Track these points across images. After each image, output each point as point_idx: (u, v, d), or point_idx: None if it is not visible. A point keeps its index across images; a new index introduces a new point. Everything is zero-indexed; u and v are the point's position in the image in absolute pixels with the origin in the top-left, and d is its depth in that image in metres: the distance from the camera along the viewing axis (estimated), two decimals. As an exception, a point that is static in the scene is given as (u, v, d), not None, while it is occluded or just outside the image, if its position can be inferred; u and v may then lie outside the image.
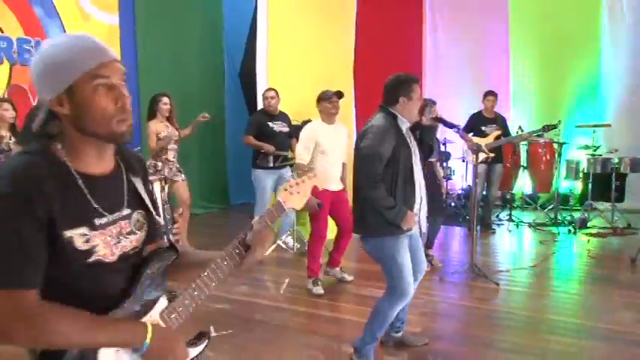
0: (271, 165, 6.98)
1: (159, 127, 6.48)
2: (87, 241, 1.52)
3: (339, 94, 5.70)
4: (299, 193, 2.00)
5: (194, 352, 1.81)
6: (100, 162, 1.62)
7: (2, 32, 7.09)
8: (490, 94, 8.41)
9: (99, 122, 1.52)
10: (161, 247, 1.82)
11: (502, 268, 6.62)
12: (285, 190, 1.98)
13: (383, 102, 3.98)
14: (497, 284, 5.91)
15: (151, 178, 2.51)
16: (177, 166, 6.67)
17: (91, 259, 1.54)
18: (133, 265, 1.70)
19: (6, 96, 7.03)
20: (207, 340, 1.88)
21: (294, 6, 9.40)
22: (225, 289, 5.64)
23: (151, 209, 1.76)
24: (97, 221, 1.56)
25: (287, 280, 6.14)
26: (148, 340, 1.57)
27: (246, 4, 10.33)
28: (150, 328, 1.59)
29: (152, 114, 6.51)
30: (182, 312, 1.77)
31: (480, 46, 10.04)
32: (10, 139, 6.10)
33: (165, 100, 6.59)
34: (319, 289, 5.71)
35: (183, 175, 6.63)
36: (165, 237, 1.84)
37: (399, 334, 4.39)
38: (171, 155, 6.61)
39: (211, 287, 1.79)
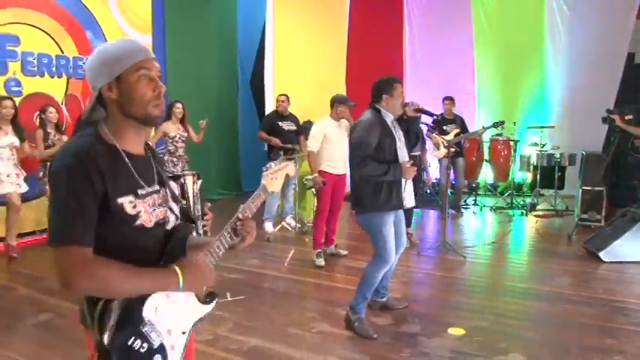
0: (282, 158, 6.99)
1: (170, 128, 6.58)
2: (134, 207, 1.58)
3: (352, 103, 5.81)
4: (276, 179, 2.01)
5: (207, 309, 1.82)
6: (137, 143, 1.68)
7: (62, 52, 7.17)
8: (447, 99, 8.35)
9: (139, 104, 1.59)
10: (179, 224, 1.83)
11: (468, 244, 6.68)
12: (267, 176, 1.99)
13: (371, 100, 4.06)
14: (464, 257, 5.98)
15: (185, 172, 2.55)
16: (187, 157, 6.76)
17: (136, 223, 1.59)
18: (164, 234, 1.73)
19: (64, 103, 7.09)
20: (215, 301, 1.85)
21: (296, 23, 9.43)
22: (238, 261, 5.68)
23: (174, 190, 1.82)
24: (140, 191, 1.62)
25: (290, 255, 6.16)
26: (181, 280, 1.60)
27: (256, 24, 10.34)
28: (179, 270, 1.61)
29: (167, 116, 6.58)
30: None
31: (449, 59, 10.04)
32: (54, 137, 6.18)
33: (179, 105, 6.70)
34: (321, 261, 5.75)
35: (187, 170, 6.67)
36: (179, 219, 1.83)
37: (384, 299, 4.45)
38: (181, 151, 6.71)
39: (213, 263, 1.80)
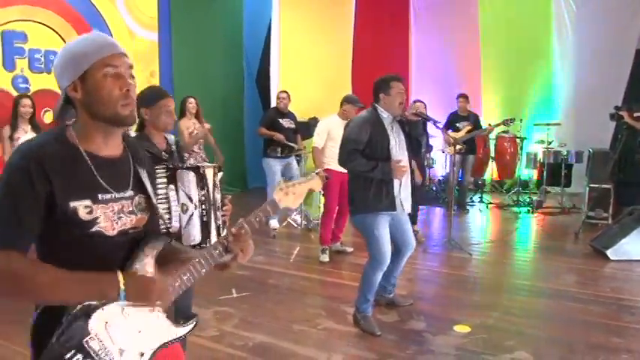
0: (279, 155, 6.99)
1: (188, 124, 6.52)
2: (89, 212, 1.45)
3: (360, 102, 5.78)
4: (294, 194, 1.80)
5: (181, 332, 1.65)
6: (106, 145, 1.54)
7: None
8: (461, 96, 8.39)
9: (106, 105, 1.46)
10: (156, 232, 1.71)
11: (474, 241, 6.65)
12: (281, 189, 1.78)
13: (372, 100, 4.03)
14: (470, 254, 5.95)
15: (204, 164, 2.52)
16: (203, 155, 6.70)
17: (92, 229, 1.46)
18: (131, 244, 1.58)
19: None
20: (193, 324, 1.70)
21: (301, 22, 9.42)
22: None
23: (153, 198, 1.65)
24: (101, 196, 1.49)
25: (295, 252, 6.16)
26: (122, 287, 1.43)
27: (262, 22, 10.32)
28: (121, 275, 1.45)
29: (182, 113, 6.53)
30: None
31: (457, 57, 10.01)
32: None
33: (192, 100, 6.63)
34: (325, 257, 5.75)
35: (207, 163, 6.62)
36: (164, 225, 1.73)
37: (390, 296, 4.43)
38: (196, 147, 6.67)
39: (191, 280, 1.64)
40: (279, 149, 6.96)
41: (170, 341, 1.62)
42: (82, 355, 1.40)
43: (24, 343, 3.79)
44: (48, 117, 6.65)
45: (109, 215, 1.50)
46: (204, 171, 2.47)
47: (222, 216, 2.51)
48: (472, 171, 8.76)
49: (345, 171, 5.64)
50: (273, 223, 7.01)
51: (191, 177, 2.45)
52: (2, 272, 1.36)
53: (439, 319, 4.21)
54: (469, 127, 8.20)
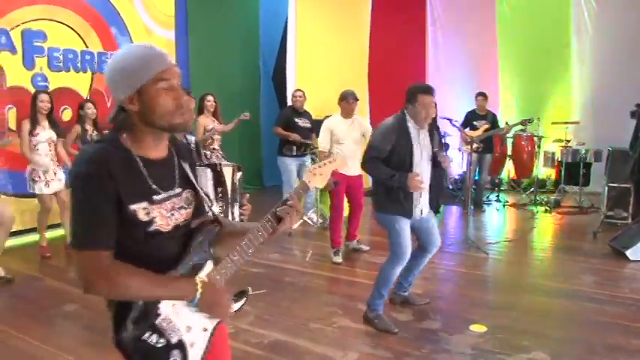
0: (294, 153, 7.01)
1: (206, 122, 6.56)
2: (147, 214, 1.56)
3: (355, 97, 5.71)
4: (321, 174, 1.95)
5: (236, 306, 1.84)
6: (156, 148, 1.65)
7: (87, 47, 7.25)
8: (480, 95, 8.37)
9: (161, 117, 1.56)
10: (206, 220, 1.82)
11: (491, 240, 6.60)
12: (310, 172, 1.94)
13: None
14: (487, 254, 5.92)
15: (223, 163, 2.54)
16: (222, 153, 6.74)
17: (151, 228, 1.58)
18: (184, 235, 1.71)
19: (89, 98, 7.15)
20: (245, 298, 1.89)
21: (318, 20, 9.41)
22: (260, 256, 5.70)
23: (198, 189, 1.77)
24: (155, 197, 1.59)
25: (311, 250, 6.18)
26: (198, 294, 1.60)
27: (279, 19, 10.32)
28: (199, 284, 1.61)
29: (200, 110, 6.59)
30: (224, 273, 1.78)
31: (474, 57, 9.96)
32: (93, 132, 6.15)
33: (210, 98, 6.68)
34: (338, 259, 5.73)
35: (226, 162, 6.66)
36: (210, 211, 1.82)
37: (405, 294, 4.43)
38: (216, 144, 6.71)
39: (249, 253, 1.79)
40: (294, 148, 6.97)
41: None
42: (156, 335, 1.56)
43: (43, 337, 3.91)
44: (66, 115, 6.72)
45: (163, 214, 1.61)
46: (221, 169, 2.48)
47: (241, 215, 2.53)
48: (489, 170, 8.71)
49: (353, 174, 5.60)
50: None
51: (208, 174, 2.47)
52: (93, 272, 1.49)
53: (455, 319, 4.19)
54: (487, 126, 8.17)
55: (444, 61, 10.33)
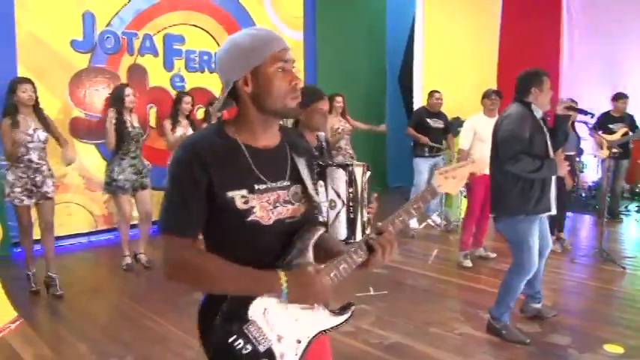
0: (426, 154, 6.97)
1: (333, 122, 6.70)
2: (246, 202, 1.51)
3: (499, 94, 5.62)
4: (454, 177, 1.75)
5: (337, 320, 1.64)
6: (264, 136, 1.60)
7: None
8: (621, 97, 7.77)
9: (276, 98, 1.53)
10: (314, 221, 1.73)
11: (628, 254, 6.15)
12: (441, 174, 1.73)
13: (516, 94, 3.84)
14: (624, 268, 5.50)
15: (354, 162, 2.60)
16: (351, 152, 6.86)
17: (249, 218, 1.52)
18: (287, 232, 1.60)
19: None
20: (350, 313, 1.67)
21: (446, 20, 9.25)
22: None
23: (310, 188, 1.66)
24: (257, 186, 1.54)
25: (434, 253, 6.11)
26: (284, 286, 1.48)
27: (405, 19, 10.29)
28: (283, 276, 1.49)
29: (329, 110, 6.74)
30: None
31: (616, 56, 9.30)
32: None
33: (339, 99, 6.81)
34: (468, 262, 5.63)
35: (356, 161, 6.70)
36: (319, 215, 1.75)
37: (539, 306, 4.21)
38: (343, 144, 6.83)
39: (347, 270, 1.60)
40: (426, 149, 6.95)
41: (326, 330, 1.62)
42: (242, 340, 1.48)
43: (173, 321, 4.22)
44: (200, 113, 7.17)
45: (264, 205, 1.55)
46: (353, 169, 2.54)
47: (368, 213, 2.57)
48: (625, 177, 8.09)
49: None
50: (412, 222, 6.99)
51: (340, 174, 2.54)
52: (175, 259, 1.50)
53: (586, 336, 3.96)
54: (625, 130, 7.57)
55: (581, 60, 9.75)
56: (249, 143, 1.57)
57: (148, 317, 4.31)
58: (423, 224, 7.25)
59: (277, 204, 1.58)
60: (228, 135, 1.56)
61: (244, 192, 1.52)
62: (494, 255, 5.93)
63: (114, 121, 5.25)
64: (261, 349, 1.50)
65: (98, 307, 4.70)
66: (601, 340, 3.82)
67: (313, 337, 1.59)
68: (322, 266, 1.59)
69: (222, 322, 1.49)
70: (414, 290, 4.99)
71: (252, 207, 1.52)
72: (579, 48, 9.79)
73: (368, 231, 2.42)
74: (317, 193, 1.75)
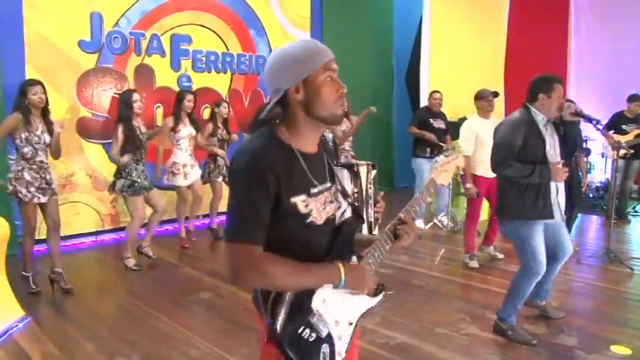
0: (428, 155, 6.95)
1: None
2: (306, 206, 1.63)
3: (495, 94, 5.58)
4: (446, 171, 2.00)
5: (375, 301, 1.87)
6: (313, 142, 1.72)
7: (227, 49, 7.76)
8: (636, 99, 7.70)
9: (325, 105, 1.62)
10: (353, 216, 1.88)
11: (636, 255, 6.12)
12: (436, 168, 1.99)
13: (525, 98, 3.83)
14: (632, 269, 5.49)
15: (359, 162, 2.62)
16: (353, 153, 6.86)
17: (307, 220, 1.64)
18: (332, 229, 1.76)
19: (228, 97, 7.60)
20: (383, 293, 1.90)
21: (453, 20, 9.24)
22: (389, 257, 5.72)
23: (347, 186, 1.88)
24: (312, 190, 1.65)
25: (441, 253, 6.11)
26: (343, 276, 1.66)
27: (412, 19, 10.29)
28: (342, 267, 1.67)
29: None
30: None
31: (624, 58, 9.25)
32: (222, 131, 6.54)
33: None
34: (474, 263, 5.63)
35: (360, 161, 6.72)
36: (351, 208, 1.88)
37: (543, 303, 4.22)
38: (347, 145, 6.84)
39: (380, 258, 1.85)
40: (428, 149, 6.93)
41: (367, 310, 1.83)
42: (309, 330, 1.63)
43: (178, 319, 4.25)
44: (206, 113, 7.18)
45: (318, 207, 1.68)
46: (358, 169, 2.55)
47: (375, 212, 2.58)
48: (635, 178, 8.05)
49: (493, 175, 5.44)
50: (419, 223, 6.99)
51: (345, 174, 2.55)
52: (243, 264, 1.57)
53: (593, 337, 3.95)
54: (638, 131, 7.54)
55: (588, 62, 9.71)
56: (300, 149, 1.66)
57: (153, 316, 4.34)
58: (430, 224, 7.25)
59: (326, 204, 1.72)
60: (283, 142, 1.64)
61: (304, 197, 1.63)
62: (501, 256, 5.92)
63: (121, 136, 5.23)
64: (323, 334, 1.65)
65: (104, 306, 4.74)
66: (608, 342, 3.81)
67: (359, 317, 1.80)
68: (362, 255, 1.83)
69: (290, 314, 1.61)
70: (420, 291, 4.99)
71: (311, 210, 1.65)
72: (587, 48, 9.75)
73: (375, 231, 2.43)
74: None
